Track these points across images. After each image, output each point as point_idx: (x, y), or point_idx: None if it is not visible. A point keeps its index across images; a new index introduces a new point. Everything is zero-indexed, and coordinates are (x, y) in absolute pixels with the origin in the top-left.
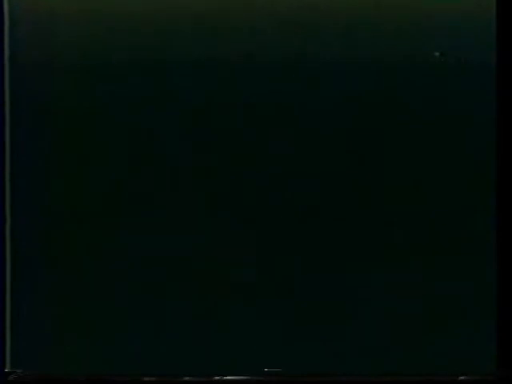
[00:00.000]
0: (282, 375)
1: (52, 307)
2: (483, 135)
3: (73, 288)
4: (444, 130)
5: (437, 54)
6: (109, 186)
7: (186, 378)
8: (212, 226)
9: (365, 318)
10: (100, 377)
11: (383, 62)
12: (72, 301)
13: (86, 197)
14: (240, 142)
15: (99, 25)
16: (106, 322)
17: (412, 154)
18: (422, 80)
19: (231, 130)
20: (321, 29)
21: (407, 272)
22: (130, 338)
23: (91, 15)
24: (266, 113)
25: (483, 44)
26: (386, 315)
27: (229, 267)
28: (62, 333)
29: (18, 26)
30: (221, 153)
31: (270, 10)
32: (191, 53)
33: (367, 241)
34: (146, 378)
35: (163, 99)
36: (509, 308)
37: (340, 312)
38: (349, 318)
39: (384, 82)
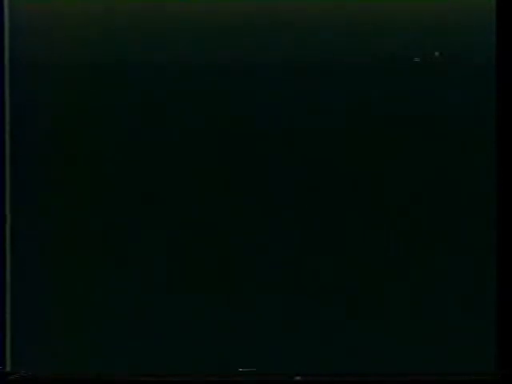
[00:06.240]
0: (280, 375)
1: (52, 307)
2: (483, 135)
3: (73, 288)
4: (444, 129)
5: (437, 53)
6: (109, 185)
7: (186, 378)
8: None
9: (364, 318)
10: (100, 377)
11: (382, 61)
12: (72, 301)
13: (86, 197)
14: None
15: (98, 26)
16: (106, 321)
17: (412, 154)
18: (422, 80)
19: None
20: (320, 29)
21: (407, 272)
22: (130, 337)
23: (90, 16)
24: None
25: (483, 43)
26: (386, 315)
27: (229, 266)
28: (62, 333)
29: (17, 27)
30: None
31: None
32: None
33: (367, 240)
34: (146, 378)
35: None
36: (509, 308)
37: (338, 311)
38: (347, 317)
39: (383, 82)
